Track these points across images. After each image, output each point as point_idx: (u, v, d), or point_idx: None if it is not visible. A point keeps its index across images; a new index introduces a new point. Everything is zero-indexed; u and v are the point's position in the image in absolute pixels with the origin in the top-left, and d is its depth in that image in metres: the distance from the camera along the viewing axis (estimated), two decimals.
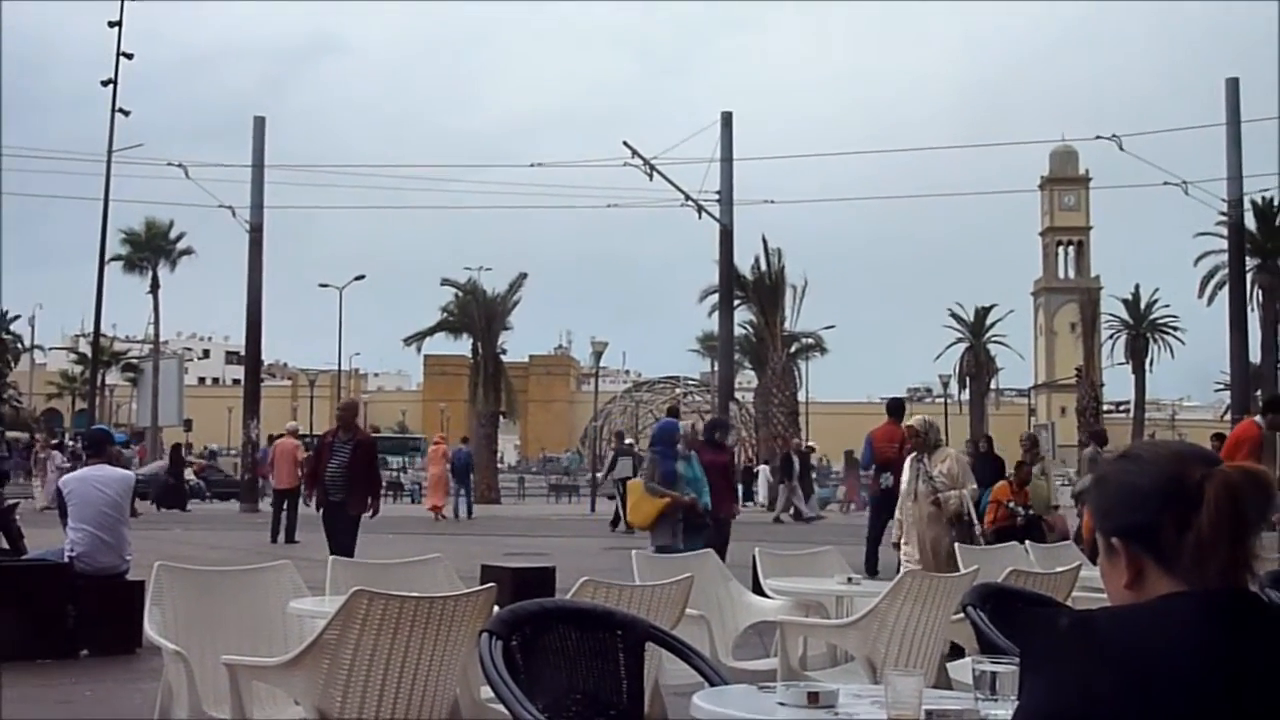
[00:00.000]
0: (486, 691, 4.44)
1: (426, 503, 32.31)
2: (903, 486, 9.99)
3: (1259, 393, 31.78)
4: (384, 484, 26.26)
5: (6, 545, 10.85)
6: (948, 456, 9.79)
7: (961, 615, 4.25)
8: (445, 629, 4.15)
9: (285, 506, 21.49)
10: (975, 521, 9.65)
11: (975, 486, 10.00)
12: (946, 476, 9.60)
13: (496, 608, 3.92)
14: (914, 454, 9.85)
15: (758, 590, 7.12)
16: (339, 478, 12.30)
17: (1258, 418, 11.00)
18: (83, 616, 8.90)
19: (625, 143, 31.60)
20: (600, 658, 3.56)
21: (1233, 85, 29.35)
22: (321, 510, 12.63)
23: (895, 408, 14.18)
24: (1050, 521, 16.03)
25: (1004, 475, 17.05)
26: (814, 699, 3.12)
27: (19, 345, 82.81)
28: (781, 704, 3.17)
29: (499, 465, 48.45)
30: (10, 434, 69.52)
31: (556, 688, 3.42)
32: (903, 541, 9.82)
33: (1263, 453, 10.06)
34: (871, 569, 13.45)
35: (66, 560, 9.13)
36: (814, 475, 35.91)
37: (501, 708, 3.28)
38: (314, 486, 12.96)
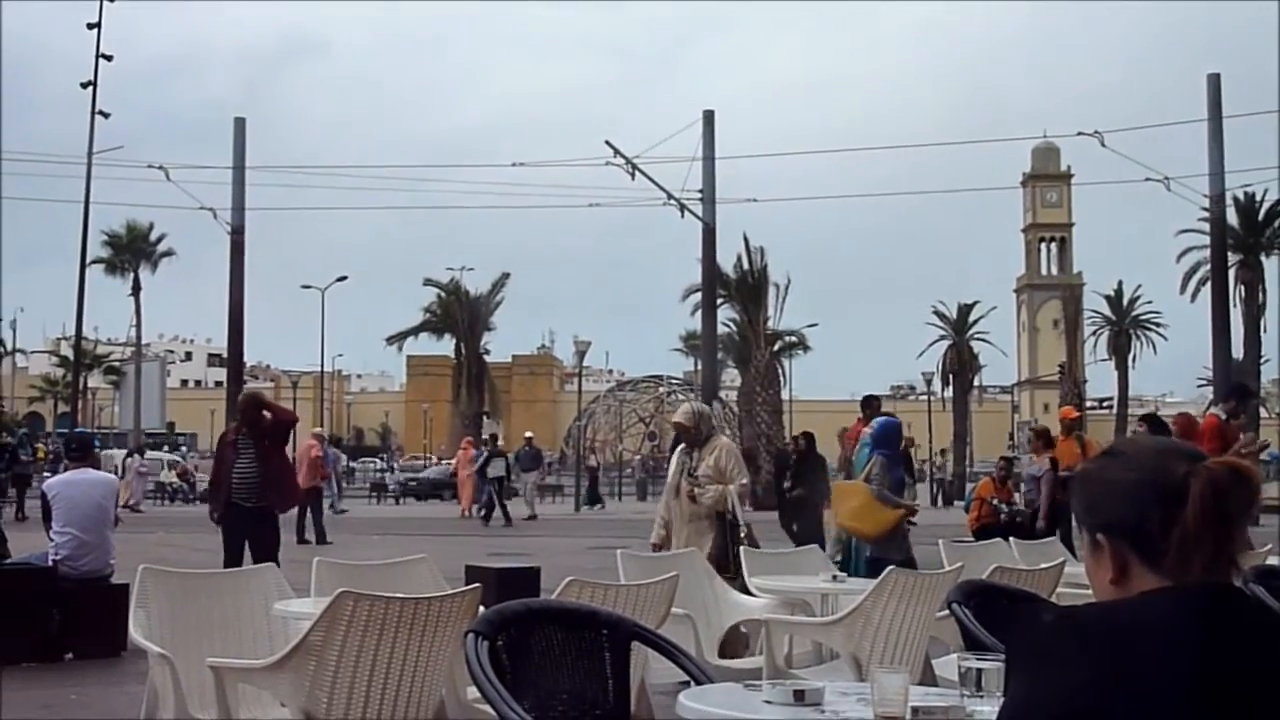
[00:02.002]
0: (473, 692, 4.44)
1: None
2: (668, 480, 9.21)
3: None
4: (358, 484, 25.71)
5: None
6: (717, 449, 8.80)
7: (946, 612, 4.26)
8: (431, 630, 4.15)
9: (306, 508, 22.01)
10: (740, 520, 8.46)
11: (746, 481, 8.96)
12: (712, 470, 8.68)
13: (482, 608, 3.92)
14: (681, 446, 9.03)
15: (742, 589, 7.13)
16: (248, 481, 10.46)
17: (1216, 408, 11.12)
18: (67, 620, 8.87)
19: (607, 142, 31.57)
20: (586, 657, 3.56)
21: (1214, 80, 29.43)
22: (224, 520, 10.56)
23: (866, 403, 14.16)
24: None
25: (825, 471, 16.97)
26: (800, 697, 3.13)
27: (0, 349, 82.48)
28: (768, 702, 3.17)
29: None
30: None
31: (542, 688, 3.42)
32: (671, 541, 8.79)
33: (1220, 441, 10.11)
34: None
35: (51, 564, 9.09)
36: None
37: (488, 708, 3.28)
38: (216, 495, 11.00)
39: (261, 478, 10.49)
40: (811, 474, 17.20)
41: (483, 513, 30.63)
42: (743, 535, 8.40)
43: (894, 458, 10.47)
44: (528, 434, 37.16)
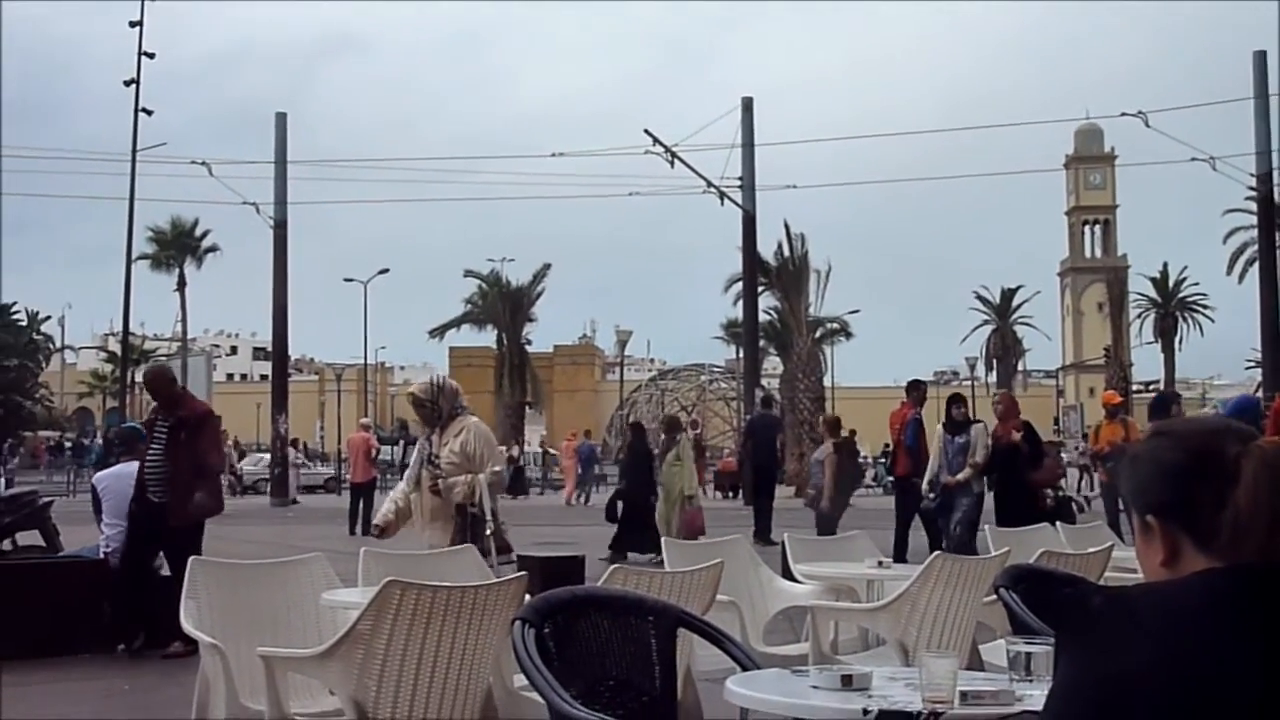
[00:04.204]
0: (520, 680, 4.46)
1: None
2: (408, 470, 7.97)
3: None
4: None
5: (43, 543, 10.91)
6: (464, 430, 7.49)
7: (993, 597, 4.24)
8: (478, 618, 4.17)
9: (361, 499, 22.23)
10: (487, 515, 7.29)
11: (500, 469, 7.66)
12: (458, 456, 7.39)
13: (528, 597, 3.93)
14: (425, 430, 7.85)
15: (788, 575, 7.12)
16: (157, 472, 9.07)
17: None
18: (118, 612, 8.97)
19: (646, 130, 31.68)
20: (632, 644, 3.57)
21: (1260, 58, 29.12)
22: (132, 516, 9.21)
23: (912, 388, 14.09)
24: (691, 514, 15.18)
25: (652, 463, 15.81)
26: (848, 682, 3.12)
27: (50, 346, 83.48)
28: (815, 687, 3.17)
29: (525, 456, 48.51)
30: (44, 433, 70.24)
31: (589, 675, 3.43)
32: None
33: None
34: (900, 554, 13.41)
35: (102, 556, 9.20)
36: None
37: (535, 695, 3.30)
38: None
39: (165, 472, 9.05)
40: (640, 467, 16.42)
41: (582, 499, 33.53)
42: (488, 533, 7.21)
43: None
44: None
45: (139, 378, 70.53)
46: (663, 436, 16.32)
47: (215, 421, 9.78)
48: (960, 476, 12.04)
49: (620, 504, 16.97)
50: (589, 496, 34.56)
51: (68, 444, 63.13)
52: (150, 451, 9.16)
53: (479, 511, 7.31)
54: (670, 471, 15.36)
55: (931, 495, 12.44)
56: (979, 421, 12.45)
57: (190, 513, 9.04)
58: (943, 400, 13.61)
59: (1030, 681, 2.98)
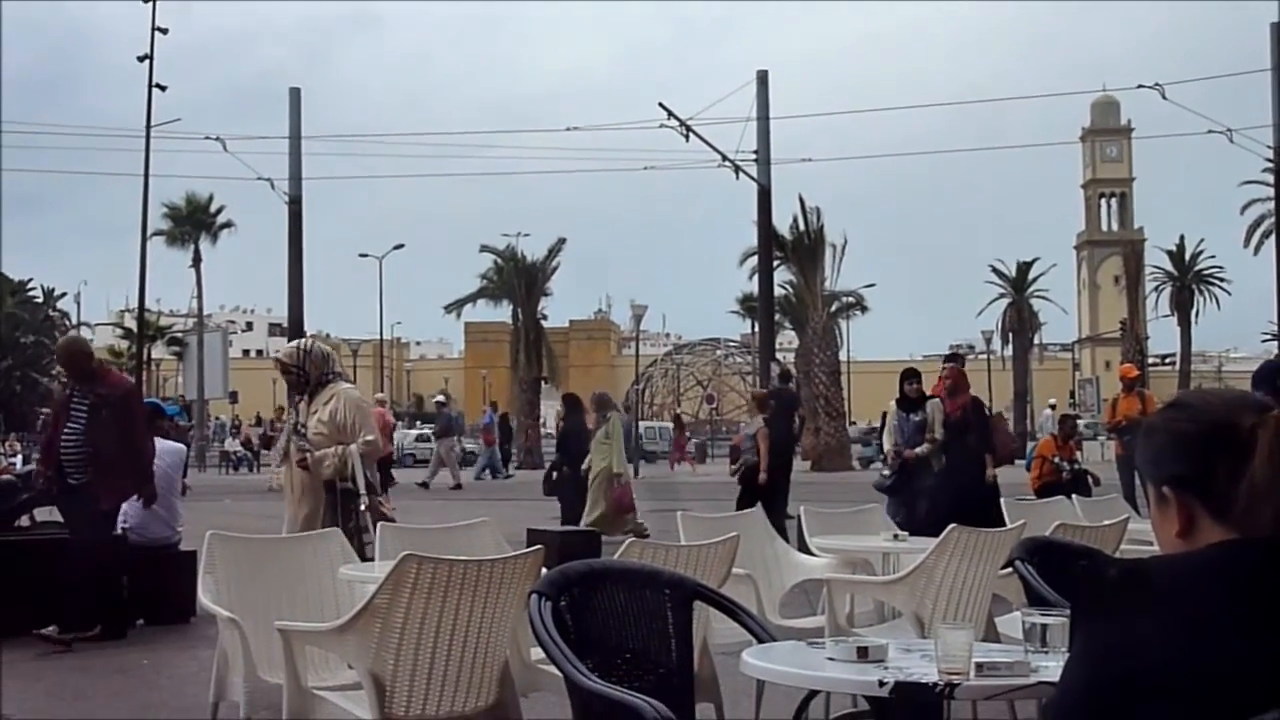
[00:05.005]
0: (537, 653, 4.48)
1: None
2: (277, 443, 7.52)
3: None
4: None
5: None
6: (333, 397, 7.00)
7: (1009, 570, 4.25)
8: (494, 591, 4.18)
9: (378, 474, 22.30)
10: (361, 489, 6.79)
11: (374, 438, 7.01)
12: (327, 426, 6.92)
13: (544, 570, 3.94)
14: (294, 399, 7.32)
15: (804, 549, 7.13)
16: (75, 452, 8.48)
17: None
18: (137, 587, 9.02)
19: (661, 104, 31.47)
20: (649, 617, 3.59)
21: (1277, 30, 28.84)
22: (56, 497, 8.88)
23: (950, 360, 13.74)
24: (619, 493, 14.89)
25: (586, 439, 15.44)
26: (863, 654, 3.13)
27: (66, 322, 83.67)
28: (831, 659, 3.18)
29: (541, 430, 48.63)
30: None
31: (606, 647, 3.45)
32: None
33: None
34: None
35: (120, 532, 9.25)
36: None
37: (552, 668, 3.31)
38: (47, 464, 8.77)
39: (84, 451, 8.48)
40: (573, 443, 16.15)
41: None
42: (363, 508, 6.76)
43: None
44: (439, 398, 36.65)
45: (155, 353, 70.80)
46: (594, 414, 15.92)
47: (139, 397, 9.06)
48: (920, 450, 11.71)
49: (555, 476, 16.87)
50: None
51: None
52: (67, 431, 8.50)
53: (352, 484, 6.84)
54: (599, 449, 15.16)
55: (887, 474, 12.08)
56: (934, 397, 12.09)
57: (123, 497, 8.69)
58: (976, 376, 13.32)
59: (1046, 653, 2.98)
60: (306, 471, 6.92)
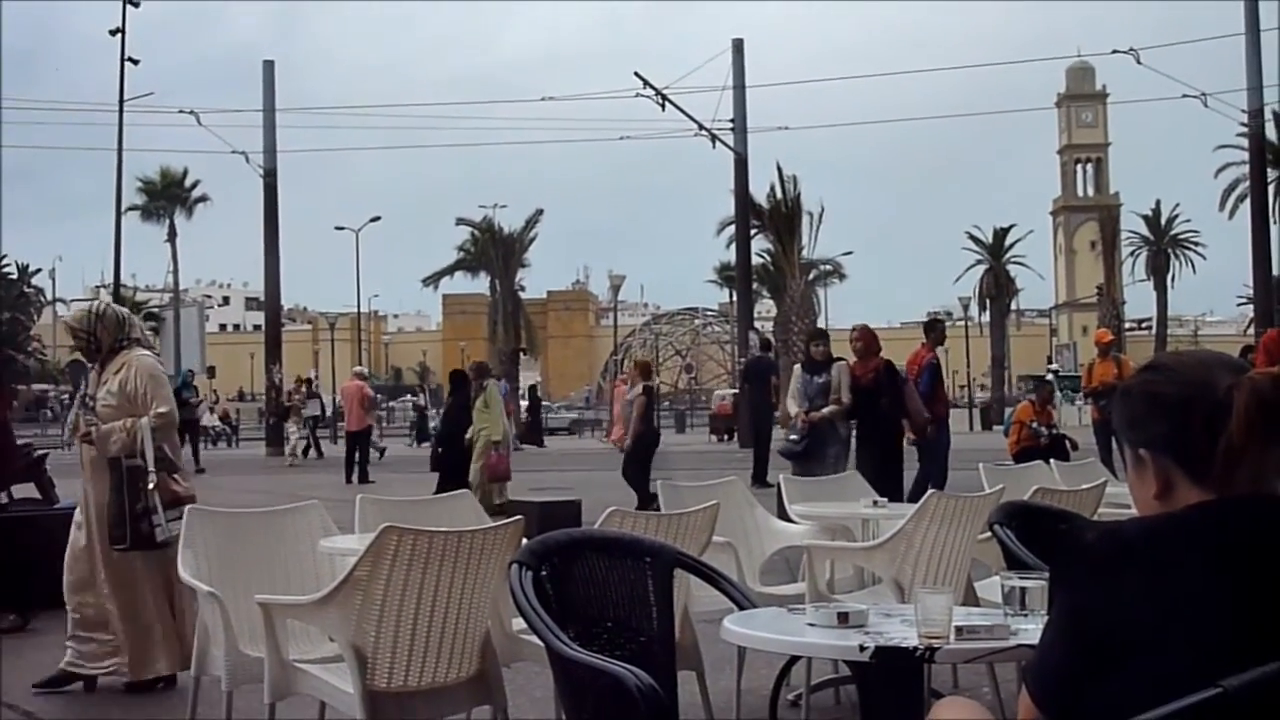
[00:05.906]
0: (518, 623, 4.48)
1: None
2: (69, 418, 6.97)
3: None
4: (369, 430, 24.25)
5: (39, 495, 10.91)
6: (125, 365, 6.41)
7: (988, 534, 4.26)
8: (475, 562, 4.18)
9: (357, 447, 22.32)
10: (149, 465, 6.23)
11: (166, 409, 6.37)
12: (117, 396, 6.36)
13: (525, 540, 3.94)
14: (86, 367, 6.76)
15: (783, 516, 7.15)
16: None
17: None
18: None
19: (637, 73, 31.45)
20: (629, 585, 3.59)
21: None
22: None
23: (929, 327, 13.35)
24: (495, 460, 14.72)
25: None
26: (844, 619, 3.14)
27: (41, 299, 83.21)
28: (811, 625, 3.19)
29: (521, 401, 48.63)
30: (37, 387, 70.16)
31: (587, 616, 3.45)
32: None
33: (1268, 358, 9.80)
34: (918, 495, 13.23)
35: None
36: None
37: (533, 638, 3.32)
38: None
39: None
40: (460, 413, 15.79)
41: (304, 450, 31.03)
42: (151, 487, 6.20)
43: None
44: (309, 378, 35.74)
45: None
46: (474, 383, 15.64)
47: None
48: (825, 411, 11.12)
49: (441, 450, 16.59)
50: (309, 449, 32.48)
51: (64, 398, 63.06)
52: None
53: (141, 461, 6.25)
54: (480, 417, 14.97)
55: (794, 438, 11.33)
56: (840, 359, 11.59)
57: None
58: (954, 342, 13.25)
59: (1025, 616, 2.99)
60: (92, 446, 6.36)
